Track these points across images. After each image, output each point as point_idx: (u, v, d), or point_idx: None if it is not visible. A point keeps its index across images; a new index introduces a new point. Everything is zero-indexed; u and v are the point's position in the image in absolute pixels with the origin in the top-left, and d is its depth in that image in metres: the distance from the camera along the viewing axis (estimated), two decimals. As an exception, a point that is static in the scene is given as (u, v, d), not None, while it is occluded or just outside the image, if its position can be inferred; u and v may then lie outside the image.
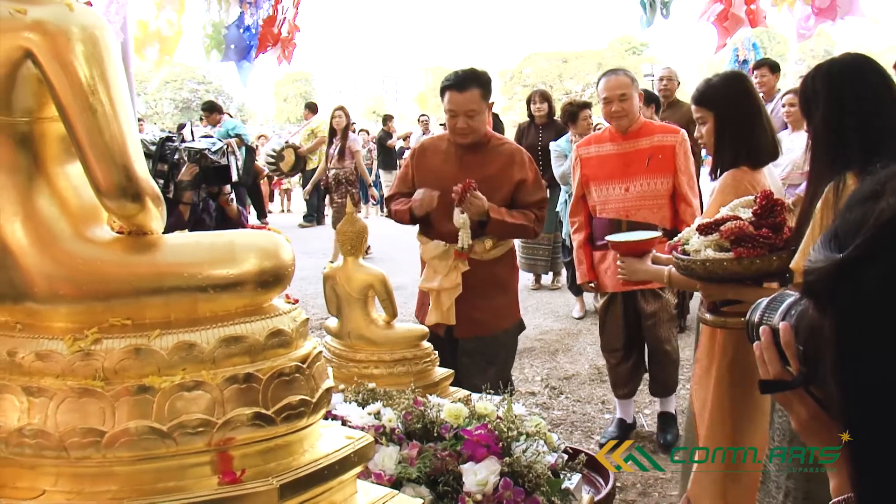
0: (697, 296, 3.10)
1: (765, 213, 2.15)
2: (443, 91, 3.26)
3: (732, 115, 2.57)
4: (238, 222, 4.50)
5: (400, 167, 3.71)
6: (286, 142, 10.23)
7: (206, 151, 4.39)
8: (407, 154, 3.55)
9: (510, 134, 7.80)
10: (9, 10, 1.08)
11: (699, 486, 2.61)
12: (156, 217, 1.19)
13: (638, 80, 3.80)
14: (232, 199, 4.44)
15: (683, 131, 3.75)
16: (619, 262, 2.67)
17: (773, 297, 1.01)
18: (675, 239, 2.34)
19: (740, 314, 1.87)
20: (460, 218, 3.07)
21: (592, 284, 3.86)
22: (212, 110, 9.69)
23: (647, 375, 4.09)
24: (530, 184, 3.25)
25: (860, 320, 0.74)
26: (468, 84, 3.18)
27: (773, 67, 6.95)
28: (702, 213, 3.06)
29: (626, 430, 4.05)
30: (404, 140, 15.30)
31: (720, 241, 2.14)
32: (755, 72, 6.91)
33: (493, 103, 3.35)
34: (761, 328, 0.99)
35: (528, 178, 3.25)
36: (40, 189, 1.16)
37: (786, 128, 6.26)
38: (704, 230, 2.20)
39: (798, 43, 7.06)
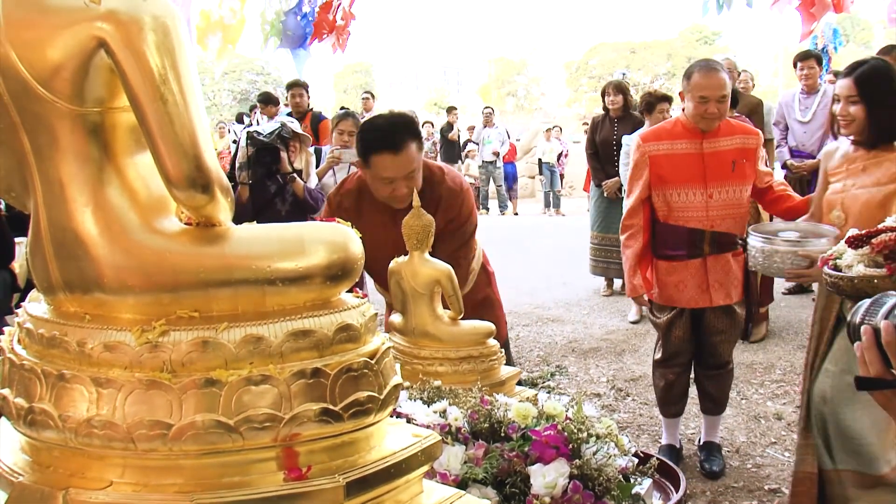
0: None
1: None
2: (369, 152, 2.59)
3: None
4: (304, 199, 4.57)
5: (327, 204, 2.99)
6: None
7: (254, 133, 4.57)
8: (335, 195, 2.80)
9: (578, 129, 7.65)
10: (83, 0, 1.08)
11: None
12: (224, 208, 1.17)
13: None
14: (293, 178, 4.56)
15: (759, 132, 3.44)
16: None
17: (875, 298, 0.99)
18: (830, 251, 2.09)
19: None
20: None
21: (646, 297, 3.43)
22: (268, 102, 9.45)
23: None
24: (452, 227, 2.72)
25: None
26: (404, 140, 2.56)
27: (820, 60, 6.79)
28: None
29: (676, 458, 3.59)
30: (469, 130, 15.32)
31: (873, 255, 1.89)
32: (800, 63, 6.67)
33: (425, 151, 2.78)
34: (863, 328, 0.97)
35: (453, 219, 2.73)
36: (110, 179, 1.15)
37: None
38: (855, 243, 1.94)
39: (890, 28, 6.78)
